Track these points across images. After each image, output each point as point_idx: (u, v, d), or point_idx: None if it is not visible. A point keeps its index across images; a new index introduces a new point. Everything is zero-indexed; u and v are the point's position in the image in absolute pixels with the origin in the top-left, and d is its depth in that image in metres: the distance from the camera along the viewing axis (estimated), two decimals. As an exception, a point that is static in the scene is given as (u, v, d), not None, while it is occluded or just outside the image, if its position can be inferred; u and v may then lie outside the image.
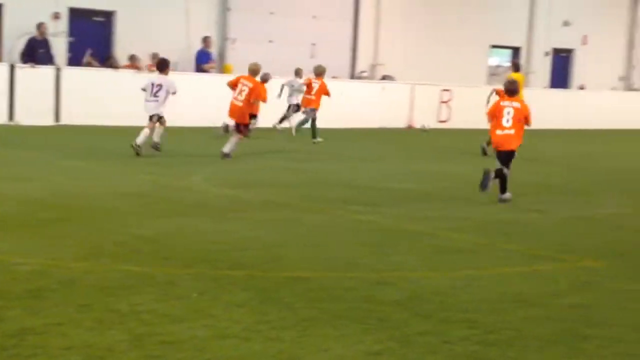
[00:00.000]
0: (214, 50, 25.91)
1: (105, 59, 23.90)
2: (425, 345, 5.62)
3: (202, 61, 25.17)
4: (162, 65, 16.71)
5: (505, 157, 12.45)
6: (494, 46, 33.42)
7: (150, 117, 16.20)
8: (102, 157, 15.50)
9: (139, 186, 12.27)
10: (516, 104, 12.62)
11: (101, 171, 13.78)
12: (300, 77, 23.36)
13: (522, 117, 12.55)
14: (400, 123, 27.64)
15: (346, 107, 25.46)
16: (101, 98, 21.68)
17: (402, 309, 6.42)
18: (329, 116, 22.28)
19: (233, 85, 16.81)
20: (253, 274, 7.30)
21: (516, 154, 12.59)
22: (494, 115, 12.73)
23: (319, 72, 21.65)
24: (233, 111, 16.67)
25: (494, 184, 12.23)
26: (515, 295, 6.96)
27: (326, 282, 7.17)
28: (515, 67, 24.13)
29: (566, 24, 34.47)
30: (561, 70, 35.41)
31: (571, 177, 16.46)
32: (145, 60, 23.60)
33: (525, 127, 12.68)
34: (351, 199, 11.93)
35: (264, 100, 17.10)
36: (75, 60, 23.45)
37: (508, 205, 12.14)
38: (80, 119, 21.46)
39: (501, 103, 12.91)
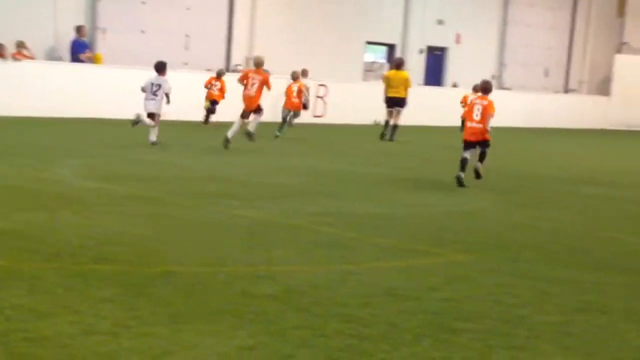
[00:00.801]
0: (87, 40, 25.31)
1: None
2: (300, 339, 5.56)
3: (80, 51, 24.54)
4: (160, 67, 17.85)
5: (480, 145, 14.34)
6: (370, 43, 33.75)
7: (150, 115, 17.41)
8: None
9: (5, 178, 11.84)
10: (485, 102, 14.43)
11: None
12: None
13: (488, 113, 14.32)
14: (276, 117, 27.57)
15: (221, 100, 25.23)
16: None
17: (278, 303, 6.35)
18: (201, 110, 22.10)
19: (243, 80, 18.51)
20: (122, 269, 7.10)
21: (490, 142, 14.51)
22: (469, 109, 14.74)
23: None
24: (248, 102, 18.38)
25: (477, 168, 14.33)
26: (389, 289, 6.97)
27: (199, 277, 7.03)
28: (398, 65, 24.47)
29: (440, 22, 35.13)
30: (435, 68, 36.07)
31: (443, 172, 16.69)
32: (10, 48, 22.84)
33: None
34: (225, 194, 11.78)
35: (269, 89, 18.80)
36: None
37: (383, 199, 12.26)
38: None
39: (473, 100, 14.93)
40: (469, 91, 24.81)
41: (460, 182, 14.05)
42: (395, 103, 23.50)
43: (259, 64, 18.81)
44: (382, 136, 23.34)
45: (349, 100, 29.64)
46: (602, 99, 41.99)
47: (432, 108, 32.52)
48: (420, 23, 34.33)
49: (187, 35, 27.66)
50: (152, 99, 17.58)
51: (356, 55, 32.97)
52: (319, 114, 28.87)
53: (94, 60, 24.95)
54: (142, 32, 26.51)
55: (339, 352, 5.37)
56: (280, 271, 7.43)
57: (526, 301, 6.91)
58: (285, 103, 24.48)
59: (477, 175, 14.42)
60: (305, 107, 25.41)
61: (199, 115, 24.17)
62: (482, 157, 14.46)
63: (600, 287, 7.60)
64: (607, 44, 43.29)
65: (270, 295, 6.55)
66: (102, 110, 23.18)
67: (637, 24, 43.05)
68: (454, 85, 35.73)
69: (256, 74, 18.55)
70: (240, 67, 28.98)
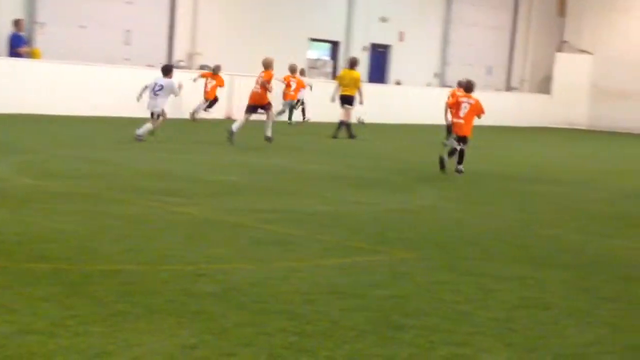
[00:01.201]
0: (25, 34, 24.88)
1: None
2: (242, 336, 5.50)
3: (17, 45, 24.10)
4: (166, 70, 19.28)
5: (462, 140, 16.14)
6: (314, 39, 33.72)
7: (151, 114, 18.51)
8: None
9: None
10: (472, 101, 16.25)
11: None
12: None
13: (474, 111, 16.12)
14: (219, 114, 27.42)
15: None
16: None
17: (219, 301, 6.27)
18: (138, 106, 21.81)
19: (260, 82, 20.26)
20: (59, 267, 6.95)
21: (469, 138, 16.26)
22: (454, 107, 16.58)
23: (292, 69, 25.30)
24: (254, 98, 20.09)
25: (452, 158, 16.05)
26: (332, 287, 6.93)
27: (139, 276, 6.92)
28: (352, 64, 24.75)
29: (384, 20, 35.24)
30: (379, 66, 36.18)
31: (388, 170, 16.73)
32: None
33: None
34: (164, 191, 11.65)
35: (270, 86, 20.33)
36: None
37: (327, 197, 12.23)
38: None
39: (460, 99, 16.66)
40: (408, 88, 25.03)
41: (443, 161, 16.18)
42: (345, 101, 23.94)
43: (266, 64, 20.43)
44: (350, 136, 23.66)
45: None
46: (543, 97, 42.57)
47: (376, 105, 32.57)
48: (364, 20, 34.41)
49: (127, 31, 27.34)
50: (154, 98, 18.58)
51: (300, 52, 32.90)
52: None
53: (32, 55, 24.53)
54: (82, 27, 26.12)
55: (282, 350, 5.31)
56: (221, 269, 7.35)
57: (469, 298, 6.93)
58: (285, 95, 27.38)
59: (458, 169, 16.20)
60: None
61: (140, 111, 23.74)
62: (461, 158, 16.21)
63: (541, 283, 7.65)
64: (547, 43, 43.87)
65: (212, 294, 6.47)
66: (41, 105, 22.84)
67: (577, 23, 43.67)
68: (398, 83, 35.89)
69: (263, 72, 20.27)
70: (182, 63, 28.74)
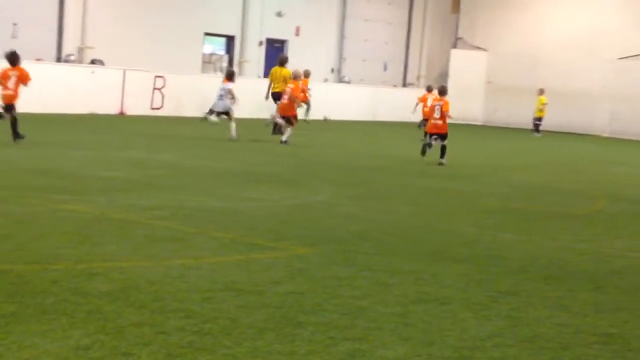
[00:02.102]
0: None
1: None
2: (139, 336, 5.39)
3: None
4: (230, 75, 22.34)
5: (442, 137, 19.27)
6: (208, 34, 33.44)
7: (220, 114, 21.28)
8: None
9: None
10: (441, 103, 19.37)
11: None
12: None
13: (446, 112, 19.26)
14: (112, 109, 26.95)
15: (51, 92, 24.46)
16: None
17: (114, 301, 6.13)
18: (32, 101, 21.28)
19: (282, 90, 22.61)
20: (-54, 267, 6.69)
21: (447, 134, 19.43)
22: (429, 110, 20.44)
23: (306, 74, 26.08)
24: (282, 109, 21.97)
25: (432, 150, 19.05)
26: (230, 284, 6.86)
27: (28, 275, 6.71)
28: (282, 62, 25.48)
29: (279, 14, 35.18)
30: (275, 61, 36.06)
31: (283, 166, 16.71)
32: None
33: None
34: (51, 188, 11.37)
35: (298, 98, 22.59)
36: None
37: (223, 194, 12.14)
38: None
39: (433, 102, 19.98)
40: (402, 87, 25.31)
41: (424, 152, 19.34)
42: (277, 98, 24.30)
43: (295, 76, 22.61)
44: (274, 131, 24.06)
45: (188, 93, 29.31)
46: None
47: (271, 101, 32.51)
48: (260, 15, 34.30)
49: (14, 24, 26.55)
50: (221, 100, 21.45)
51: (194, 46, 32.58)
52: (156, 106, 28.39)
53: None
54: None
55: (180, 349, 5.22)
56: (115, 267, 7.19)
57: (366, 293, 6.94)
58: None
59: (441, 164, 18.92)
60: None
61: (30, 107, 23.09)
62: (443, 152, 19.13)
63: (438, 277, 7.72)
64: (443, 39, 44.56)
65: (106, 293, 6.32)
66: None
67: (471, 20, 44.47)
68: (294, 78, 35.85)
69: (291, 83, 22.33)
70: (72, 58, 28.10)
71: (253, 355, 5.25)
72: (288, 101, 21.91)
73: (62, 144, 17.18)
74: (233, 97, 21.26)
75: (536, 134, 36.46)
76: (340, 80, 38.56)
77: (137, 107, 27.28)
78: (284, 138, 21.42)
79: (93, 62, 28.11)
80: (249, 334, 5.62)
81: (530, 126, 37.49)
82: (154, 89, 28.30)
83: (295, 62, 36.25)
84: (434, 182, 15.74)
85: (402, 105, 38.11)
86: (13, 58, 16.76)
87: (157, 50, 29.87)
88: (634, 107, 39.65)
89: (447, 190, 14.65)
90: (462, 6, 44.85)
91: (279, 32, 35.51)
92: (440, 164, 18.86)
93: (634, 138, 38.55)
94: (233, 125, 21.08)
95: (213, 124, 21.50)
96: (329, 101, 35.18)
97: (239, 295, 6.55)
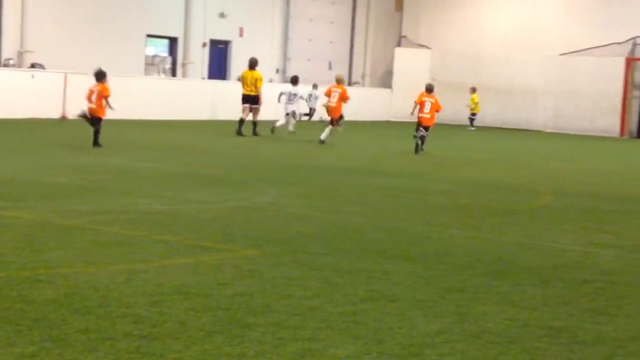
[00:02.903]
0: None
1: None
2: (85, 342, 5.31)
3: None
4: (294, 80, 27.02)
5: (426, 129, 22.34)
6: (151, 36, 33.18)
7: (289, 114, 26.34)
8: None
9: None
10: (432, 100, 22.59)
11: None
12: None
13: (435, 108, 22.52)
14: (53, 113, 26.60)
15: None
16: None
17: (59, 307, 6.03)
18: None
19: (328, 93, 24.77)
20: None
21: (431, 128, 22.65)
22: (420, 104, 22.61)
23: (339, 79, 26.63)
24: (330, 111, 24.34)
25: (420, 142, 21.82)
26: (178, 287, 6.79)
27: (-30, 283, 6.57)
28: (252, 65, 25.84)
29: (222, 15, 35.03)
30: (219, 62, 35.95)
31: (228, 167, 16.63)
32: None
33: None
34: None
35: (348, 99, 24.84)
36: None
37: (169, 196, 12.05)
38: None
39: (423, 98, 22.66)
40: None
41: (417, 146, 22.17)
42: (247, 100, 25.52)
43: (339, 80, 25.41)
44: (238, 132, 25.02)
45: (131, 95, 29.05)
46: (385, 91, 43.32)
47: (216, 102, 32.46)
48: (203, 16, 34.13)
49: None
50: (291, 103, 26.38)
51: (137, 48, 32.30)
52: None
53: None
54: None
55: (128, 355, 5.15)
56: (59, 274, 7.08)
57: (315, 293, 6.92)
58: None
59: (421, 150, 22.18)
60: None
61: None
62: (422, 140, 22.22)
63: (387, 276, 7.72)
64: (386, 37, 44.76)
65: (51, 300, 6.22)
66: None
67: (414, 18, 44.75)
68: (239, 79, 35.72)
69: (337, 87, 24.64)
70: (12, 62, 27.67)
71: (202, 358, 5.20)
72: (337, 103, 24.13)
73: (1, 150, 16.90)
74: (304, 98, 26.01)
75: (471, 128, 37.33)
76: (286, 80, 38.48)
77: (80, 110, 26.92)
78: (322, 137, 23.55)
79: (33, 66, 27.71)
80: (197, 337, 5.56)
81: (466, 122, 38.40)
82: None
83: (240, 63, 36.19)
84: (380, 180, 15.77)
85: (349, 104, 38.15)
86: (98, 75, 19.33)
87: (98, 53, 29.51)
88: (576, 102, 40.23)
89: (394, 189, 14.68)
90: (406, 4, 45.10)
91: (222, 33, 35.38)
92: (421, 149, 22.12)
93: (576, 133, 39.08)
94: (293, 121, 26.36)
95: (291, 130, 26.17)
96: (275, 102, 35.11)
97: (187, 299, 6.49)
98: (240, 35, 36.19)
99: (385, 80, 44.18)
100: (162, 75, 33.28)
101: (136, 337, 5.49)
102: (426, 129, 22.38)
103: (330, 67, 41.21)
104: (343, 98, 24.27)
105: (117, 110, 27.90)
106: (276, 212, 11.34)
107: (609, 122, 38.98)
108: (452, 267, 8.34)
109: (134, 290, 6.66)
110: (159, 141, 21.27)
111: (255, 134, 25.16)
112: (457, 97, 40.90)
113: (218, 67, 35.87)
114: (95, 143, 18.66)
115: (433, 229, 10.63)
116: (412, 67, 42.81)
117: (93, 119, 18.96)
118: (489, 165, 21.21)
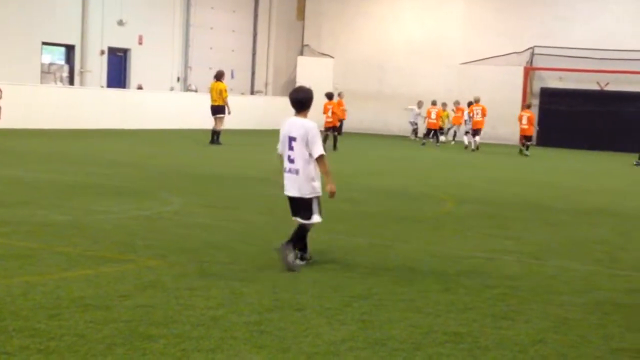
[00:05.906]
0: None
1: None
2: (-22, 360, 5.10)
3: None
4: (331, 96, 29.82)
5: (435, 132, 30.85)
6: (47, 43, 32.49)
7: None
8: None
9: None
10: (437, 110, 29.37)
11: None
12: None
13: (440, 116, 29.22)
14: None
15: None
16: None
17: (-49, 323, 5.79)
18: None
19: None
20: None
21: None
22: (428, 113, 29.32)
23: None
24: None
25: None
26: (77, 300, 6.62)
27: None
28: (217, 77, 26.96)
29: (120, 23, 34.56)
30: (117, 70, 35.44)
31: (129, 177, 16.36)
32: None
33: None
34: None
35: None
36: None
37: (68, 207, 11.79)
38: None
39: (429, 108, 28.05)
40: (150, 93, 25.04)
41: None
42: (214, 111, 26.82)
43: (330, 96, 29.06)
44: (212, 142, 26.64)
45: (26, 104, 28.44)
46: (287, 100, 43.24)
47: (116, 112, 32.04)
48: (100, 23, 33.61)
49: None
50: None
51: (32, 56, 31.58)
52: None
53: None
54: None
55: (23, 370, 4.98)
56: (-46, 287, 6.82)
57: (220, 303, 6.83)
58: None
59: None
60: None
61: None
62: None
63: (293, 284, 7.68)
64: (289, 46, 44.82)
65: (-57, 314, 5.98)
66: None
67: (316, 27, 44.93)
68: (139, 87, 35.31)
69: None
70: None
71: (103, 372, 5.07)
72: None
73: None
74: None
75: (447, 139, 39.05)
76: (187, 89, 38.20)
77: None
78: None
79: None
80: (97, 350, 5.42)
81: (371, 131, 38.83)
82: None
83: (139, 71, 35.78)
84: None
85: (251, 113, 38.12)
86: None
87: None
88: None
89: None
90: (307, 14, 45.26)
91: (121, 40, 34.91)
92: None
93: (480, 141, 39.78)
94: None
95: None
96: (176, 111, 34.81)
97: (87, 311, 6.32)
98: (140, 43, 35.76)
99: (288, 88, 44.15)
100: (59, 84, 32.62)
101: (33, 350, 5.33)
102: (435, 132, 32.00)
103: (232, 76, 41.05)
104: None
105: (13, 119, 27.47)
106: (180, 221, 11.19)
107: (508, 131, 39.72)
108: (357, 274, 8.34)
109: (31, 303, 6.46)
110: (58, 151, 20.81)
111: (213, 142, 26.44)
112: (359, 106, 41.22)
113: (117, 75, 35.35)
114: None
115: (338, 237, 10.63)
116: (314, 75, 42.91)
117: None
118: (392, 173, 21.38)
